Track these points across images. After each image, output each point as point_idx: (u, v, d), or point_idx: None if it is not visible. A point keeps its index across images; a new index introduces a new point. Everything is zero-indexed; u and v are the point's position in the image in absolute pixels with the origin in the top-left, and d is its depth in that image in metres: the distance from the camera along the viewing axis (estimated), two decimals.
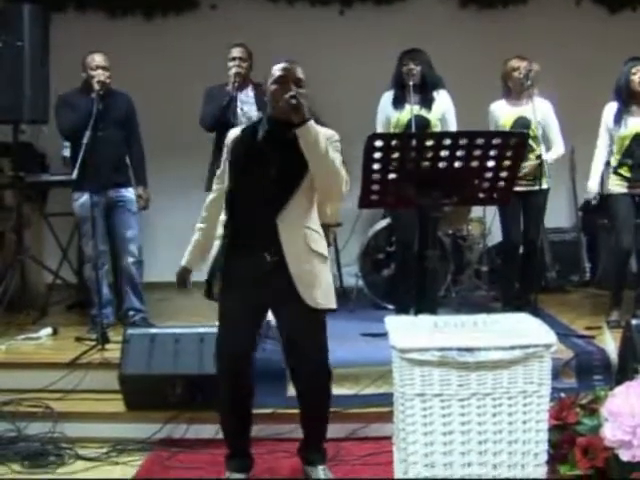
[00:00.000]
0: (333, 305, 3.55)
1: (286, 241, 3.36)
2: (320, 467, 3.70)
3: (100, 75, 5.32)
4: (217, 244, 3.54)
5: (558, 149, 5.65)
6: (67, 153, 6.68)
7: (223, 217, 3.52)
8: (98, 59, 5.41)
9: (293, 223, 3.38)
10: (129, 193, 5.61)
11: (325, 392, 3.65)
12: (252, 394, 3.68)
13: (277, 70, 3.40)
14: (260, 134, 3.44)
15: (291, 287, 3.37)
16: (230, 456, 3.71)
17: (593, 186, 5.61)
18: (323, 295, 3.47)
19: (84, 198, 5.38)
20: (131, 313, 5.58)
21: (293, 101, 3.24)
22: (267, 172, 3.36)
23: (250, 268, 3.41)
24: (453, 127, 5.57)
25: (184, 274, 3.77)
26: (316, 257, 3.45)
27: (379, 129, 5.53)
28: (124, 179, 5.65)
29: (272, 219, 3.35)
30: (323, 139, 3.29)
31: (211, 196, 3.71)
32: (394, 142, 3.81)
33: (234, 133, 3.57)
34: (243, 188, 3.43)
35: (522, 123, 5.47)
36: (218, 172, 3.67)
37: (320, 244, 3.50)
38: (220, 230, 3.54)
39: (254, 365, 3.67)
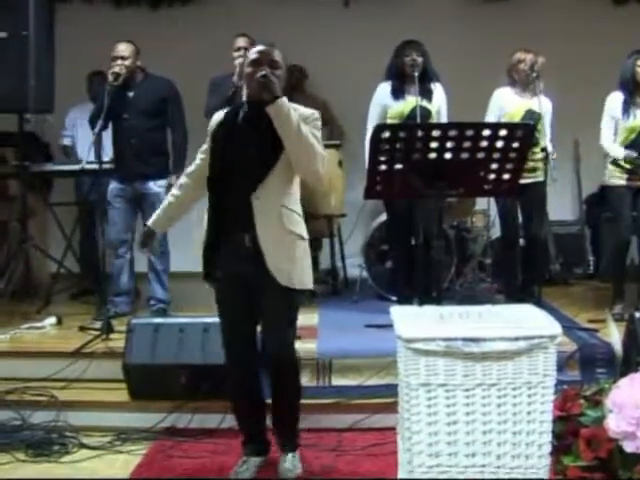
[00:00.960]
0: (310, 286, 3.57)
1: (260, 219, 3.39)
2: (290, 454, 3.71)
3: (115, 66, 5.32)
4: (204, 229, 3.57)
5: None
6: (66, 142, 6.72)
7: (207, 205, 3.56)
8: (119, 48, 5.44)
9: (268, 201, 3.41)
10: (156, 186, 5.57)
11: (292, 376, 3.65)
12: (259, 379, 3.70)
13: (252, 53, 3.47)
14: (240, 116, 3.50)
15: (266, 268, 3.40)
16: (245, 441, 3.75)
17: (621, 151, 5.45)
18: (298, 275, 3.48)
19: (112, 185, 5.49)
20: (152, 302, 5.62)
21: (262, 79, 3.29)
22: (245, 152, 3.43)
23: (232, 252, 3.46)
24: (445, 120, 5.57)
25: (147, 234, 3.82)
26: (292, 236, 3.47)
27: (373, 120, 5.49)
28: (152, 170, 5.59)
29: (248, 197, 3.38)
30: (295, 116, 3.34)
31: (191, 167, 3.75)
32: (401, 133, 3.80)
33: (218, 117, 3.61)
34: (223, 170, 3.47)
35: (532, 116, 5.42)
36: (202, 147, 3.68)
37: (297, 224, 3.52)
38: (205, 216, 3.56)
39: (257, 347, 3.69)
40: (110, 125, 5.44)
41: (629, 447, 2.85)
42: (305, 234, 3.55)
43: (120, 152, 5.34)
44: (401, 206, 5.42)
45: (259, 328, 3.63)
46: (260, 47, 3.47)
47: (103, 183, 5.48)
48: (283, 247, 3.43)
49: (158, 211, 3.82)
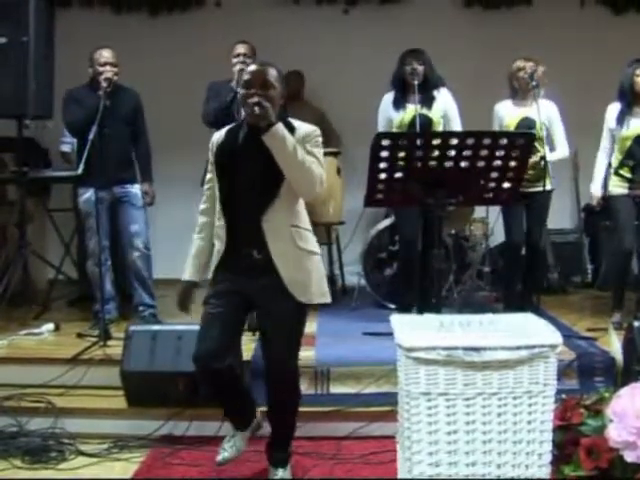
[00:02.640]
0: (327, 299, 3.55)
1: (272, 241, 3.38)
2: (280, 469, 3.65)
3: (107, 72, 5.33)
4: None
5: (563, 151, 5.63)
6: (66, 148, 6.72)
7: (219, 222, 3.53)
8: (106, 55, 5.43)
9: (279, 223, 3.40)
10: (134, 189, 5.64)
11: (292, 392, 3.59)
12: (237, 382, 3.64)
13: (246, 74, 3.43)
14: (241, 136, 3.48)
15: (279, 284, 3.37)
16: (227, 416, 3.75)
17: (596, 190, 5.60)
18: (315, 290, 3.47)
19: (89, 194, 5.42)
20: (141, 308, 5.59)
21: (256, 109, 3.25)
22: (250, 173, 3.40)
23: (238, 266, 3.44)
24: (457, 122, 5.58)
25: (188, 290, 3.68)
26: (305, 254, 3.46)
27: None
28: (129, 175, 5.68)
29: (257, 220, 3.37)
30: (291, 142, 3.30)
31: (203, 206, 3.68)
32: (401, 141, 3.80)
33: (218, 136, 3.58)
34: (229, 190, 3.46)
35: (526, 124, 5.46)
36: (207, 177, 3.65)
37: (309, 241, 3.51)
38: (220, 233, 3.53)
39: (239, 357, 3.74)
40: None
41: (630, 457, 2.84)
42: (317, 248, 3.55)
43: (101, 157, 5.28)
44: (410, 209, 5.40)
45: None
46: (253, 67, 3.43)
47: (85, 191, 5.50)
48: (296, 262, 3.42)
49: (190, 261, 3.67)
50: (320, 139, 3.51)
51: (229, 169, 3.47)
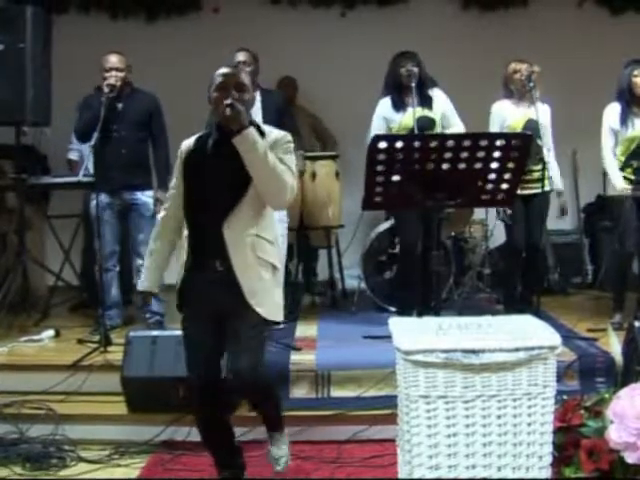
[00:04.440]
0: (279, 318, 3.49)
1: (233, 249, 3.33)
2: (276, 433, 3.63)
3: (111, 77, 5.33)
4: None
5: (551, 152, 5.63)
6: (73, 156, 6.70)
7: (186, 232, 3.49)
8: (112, 60, 5.43)
9: (240, 230, 3.35)
10: (144, 196, 5.59)
11: (268, 397, 3.57)
12: (229, 409, 3.69)
13: (218, 76, 3.35)
14: (210, 142, 3.43)
15: (241, 297, 3.33)
16: (218, 466, 3.67)
17: (619, 183, 5.44)
18: (269, 306, 3.41)
19: (99, 198, 5.41)
20: (148, 315, 5.58)
21: (228, 111, 3.22)
22: (217, 180, 3.37)
23: (203, 278, 3.40)
24: (457, 120, 5.60)
25: (146, 299, 3.72)
26: (264, 266, 3.41)
27: (374, 133, 5.50)
28: (141, 181, 5.62)
29: (219, 226, 3.32)
30: (262, 146, 3.27)
31: (163, 213, 3.64)
32: (398, 144, 3.79)
33: (187, 143, 3.54)
34: (195, 198, 3.42)
35: (532, 126, 5.41)
36: (171, 184, 3.60)
37: (270, 253, 3.45)
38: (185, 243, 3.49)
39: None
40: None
41: (630, 458, 2.83)
42: (277, 262, 3.50)
43: (109, 163, 5.33)
44: (409, 213, 5.40)
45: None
46: (225, 70, 3.37)
47: (89, 200, 5.50)
48: (256, 274, 3.37)
49: (145, 270, 3.66)
50: (292, 145, 3.45)
51: (196, 176, 3.43)
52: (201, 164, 3.43)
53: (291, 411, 4.21)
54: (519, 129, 5.45)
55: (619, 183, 5.43)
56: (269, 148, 3.31)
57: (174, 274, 3.55)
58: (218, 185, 3.36)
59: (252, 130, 3.26)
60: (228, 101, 3.24)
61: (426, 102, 5.49)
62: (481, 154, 3.79)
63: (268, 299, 3.41)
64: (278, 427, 3.64)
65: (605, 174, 5.61)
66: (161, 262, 3.63)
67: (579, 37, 7.42)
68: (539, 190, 5.36)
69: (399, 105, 5.53)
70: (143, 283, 3.65)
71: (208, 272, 3.39)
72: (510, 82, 5.62)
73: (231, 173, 3.33)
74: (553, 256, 7.17)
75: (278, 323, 3.56)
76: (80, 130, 5.51)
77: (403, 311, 5.34)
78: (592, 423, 3.05)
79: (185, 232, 3.49)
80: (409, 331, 3.10)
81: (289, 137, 3.46)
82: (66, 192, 6.56)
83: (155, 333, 4.65)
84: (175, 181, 3.56)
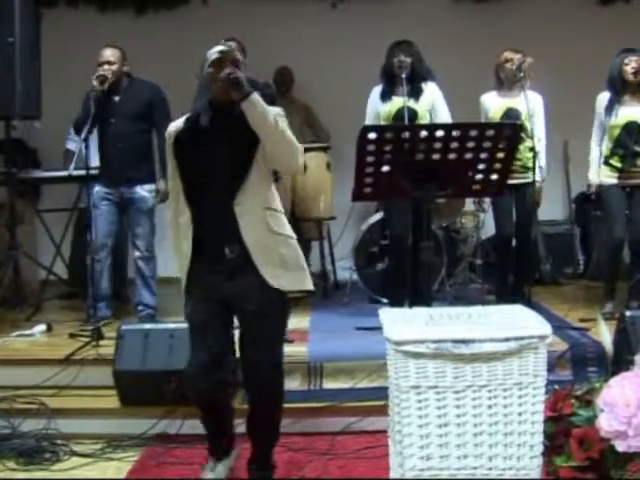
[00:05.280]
0: (309, 286, 3.43)
1: (246, 227, 3.25)
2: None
3: (102, 70, 5.30)
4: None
5: (542, 143, 5.64)
6: (71, 146, 6.61)
7: (182, 219, 3.39)
8: (105, 53, 5.40)
9: (252, 206, 3.27)
10: (143, 190, 5.53)
11: (278, 394, 3.48)
12: (229, 396, 3.65)
13: (213, 53, 3.27)
14: (204, 120, 3.32)
15: (257, 280, 3.26)
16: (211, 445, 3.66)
17: (593, 178, 5.60)
18: (295, 277, 3.37)
19: (97, 188, 5.47)
20: (140, 308, 5.58)
21: (232, 76, 3.16)
22: (217, 158, 3.28)
23: (210, 271, 3.33)
24: (446, 116, 5.57)
25: None
26: (280, 239, 3.35)
27: (369, 123, 5.53)
28: (141, 174, 5.56)
29: (229, 206, 3.25)
30: (270, 110, 3.22)
31: (170, 211, 3.54)
32: (388, 134, 3.79)
33: (175, 126, 3.44)
34: (196, 179, 3.33)
35: (512, 115, 5.47)
36: (169, 174, 3.51)
37: (283, 225, 3.39)
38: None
39: (230, 365, 3.56)
40: (96, 130, 5.42)
41: (621, 446, 2.84)
42: (292, 233, 3.42)
43: (107, 156, 5.34)
44: (398, 204, 5.40)
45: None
46: (221, 47, 3.31)
47: (90, 190, 5.47)
48: (274, 251, 3.30)
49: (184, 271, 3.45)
50: (286, 120, 3.38)
51: (193, 158, 3.34)
52: (194, 144, 3.35)
53: (285, 403, 4.22)
54: (497, 119, 5.49)
55: (593, 177, 5.58)
56: None
57: (167, 266, 3.53)
58: (220, 164, 3.27)
59: (257, 95, 3.20)
60: (227, 71, 3.18)
61: (414, 94, 5.47)
62: (471, 144, 3.79)
63: (293, 272, 3.36)
64: (269, 457, 3.57)
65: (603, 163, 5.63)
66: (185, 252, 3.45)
67: (569, 27, 7.42)
68: (527, 180, 5.38)
69: (386, 94, 5.54)
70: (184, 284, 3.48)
71: (216, 264, 3.32)
72: (501, 70, 5.63)
73: (233, 148, 3.28)
74: (545, 246, 7.19)
75: (311, 292, 3.51)
76: (75, 124, 5.47)
77: (395, 302, 5.34)
78: (583, 412, 3.05)
79: (182, 220, 3.39)
80: (399, 322, 3.10)
81: (282, 112, 3.39)
82: (57, 186, 6.56)
83: (147, 326, 4.63)
84: (170, 169, 3.47)
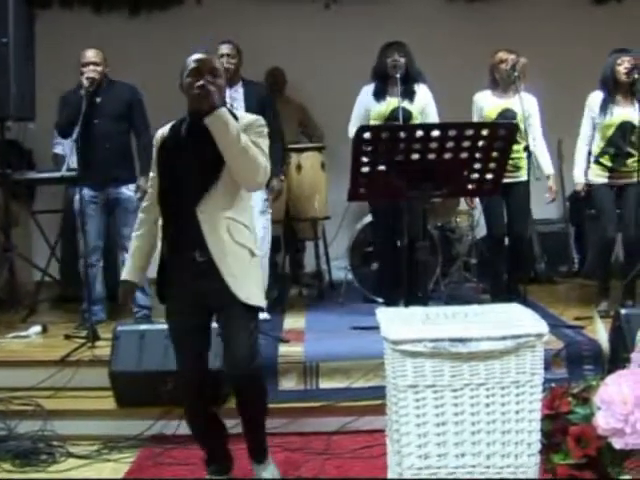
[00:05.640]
0: (261, 303, 3.49)
1: (209, 233, 3.32)
2: (265, 464, 3.62)
3: (89, 72, 5.31)
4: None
5: (543, 145, 5.68)
6: (58, 150, 6.65)
7: (161, 222, 3.48)
8: (89, 55, 5.42)
9: (214, 213, 3.33)
10: (129, 191, 5.57)
11: (257, 393, 3.51)
12: (217, 403, 3.74)
13: (191, 62, 3.35)
14: (184, 129, 3.43)
15: (224, 286, 3.32)
16: (207, 460, 3.67)
17: (579, 176, 5.65)
18: (249, 291, 3.39)
19: (82, 192, 5.39)
20: (135, 309, 5.57)
21: (197, 90, 3.24)
22: (189, 165, 3.36)
23: (183, 270, 3.39)
24: (435, 118, 5.59)
25: (128, 289, 3.67)
26: (241, 250, 3.39)
27: (354, 120, 5.56)
28: (126, 175, 5.60)
29: (193, 211, 3.32)
30: (235, 127, 3.27)
31: (144, 203, 3.64)
32: (383, 134, 3.79)
33: (162, 131, 3.54)
34: (170, 185, 3.41)
35: (507, 115, 5.49)
36: (151, 175, 3.59)
37: (246, 237, 3.43)
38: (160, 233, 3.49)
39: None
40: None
41: (618, 444, 2.84)
42: (255, 249, 3.48)
43: (92, 158, 5.31)
44: (385, 207, 5.43)
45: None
46: (199, 55, 3.36)
47: (73, 193, 5.49)
48: (236, 261, 3.36)
49: (128, 262, 3.67)
50: (265, 129, 3.45)
51: (170, 163, 3.43)
52: (174, 150, 3.43)
53: (280, 403, 4.23)
54: (493, 118, 5.50)
55: (579, 176, 5.64)
56: (242, 131, 3.31)
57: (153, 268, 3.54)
58: (190, 170, 3.35)
59: (224, 110, 3.27)
60: (200, 82, 3.24)
61: (408, 95, 5.49)
62: (466, 144, 3.79)
63: (248, 283, 3.39)
64: (263, 448, 3.62)
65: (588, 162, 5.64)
66: (145, 253, 3.61)
67: (563, 27, 7.44)
68: (518, 179, 5.42)
69: (380, 94, 5.55)
70: (127, 274, 3.64)
71: (188, 265, 3.37)
72: (495, 71, 5.64)
73: (203, 157, 3.34)
74: (539, 245, 7.20)
75: (262, 309, 3.54)
76: (61, 126, 5.49)
77: (390, 302, 5.35)
78: (580, 410, 3.05)
79: (160, 222, 3.48)
80: (396, 321, 3.10)
81: (262, 121, 3.46)
82: (51, 187, 6.55)
83: (143, 327, 4.65)
84: (153, 168, 3.56)
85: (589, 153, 5.61)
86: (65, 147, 6.55)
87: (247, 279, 3.39)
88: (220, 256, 3.33)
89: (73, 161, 5.45)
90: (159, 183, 3.47)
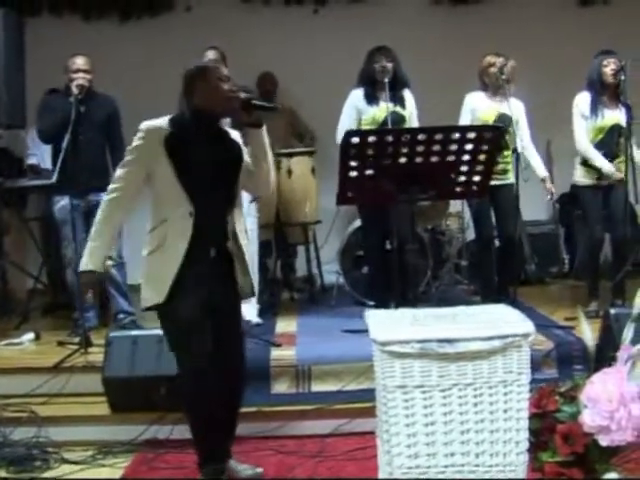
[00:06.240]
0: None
1: (232, 237, 3.51)
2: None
3: (80, 79, 5.32)
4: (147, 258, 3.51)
5: (533, 149, 5.72)
6: (33, 160, 6.58)
7: (176, 214, 3.42)
8: (79, 62, 5.42)
9: (237, 219, 3.54)
10: None
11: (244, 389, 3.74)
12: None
13: (215, 68, 3.49)
14: (192, 129, 3.44)
15: (232, 286, 3.53)
16: (204, 462, 3.61)
17: (608, 166, 5.47)
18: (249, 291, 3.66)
19: (64, 202, 5.39)
20: (121, 316, 5.57)
21: (233, 95, 3.38)
22: (216, 170, 3.44)
23: (199, 268, 3.40)
24: (416, 123, 5.65)
25: (89, 285, 3.61)
26: (245, 255, 3.58)
27: (345, 123, 5.57)
28: (105, 183, 5.56)
29: (223, 215, 3.48)
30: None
31: (113, 194, 3.57)
32: (371, 138, 3.82)
33: (160, 125, 3.47)
34: (196, 186, 3.40)
35: (505, 120, 5.46)
36: (127, 162, 3.52)
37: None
38: (154, 241, 3.48)
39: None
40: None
41: (604, 441, 2.88)
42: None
43: (76, 166, 5.29)
44: (374, 211, 5.45)
45: None
46: (215, 63, 3.61)
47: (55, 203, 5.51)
48: (244, 263, 3.55)
49: (92, 250, 3.52)
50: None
51: (192, 162, 3.40)
52: (193, 151, 3.42)
53: (272, 406, 4.26)
54: (490, 122, 5.50)
55: (606, 165, 5.47)
56: None
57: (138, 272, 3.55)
58: (219, 175, 3.45)
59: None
60: (247, 95, 3.43)
61: (398, 100, 5.54)
62: (453, 147, 3.83)
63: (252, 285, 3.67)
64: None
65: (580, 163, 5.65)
66: (109, 243, 3.61)
67: (549, 28, 7.49)
68: (505, 182, 5.45)
69: (372, 98, 5.57)
70: (89, 264, 3.50)
71: (204, 262, 3.43)
72: (485, 75, 5.65)
73: (228, 164, 3.48)
74: (530, 246, 7.24)
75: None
76: (48, 131, 5.44)
77: (381, 305, 5.37)
78: (567, 408, 3.08)
79: (175, 214, 3.42)
80: (385, 323, 3.13)
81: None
82: (43, 195, 6.55)
83: (135, 333, 4.67)
84: (135, 160, 3.49)
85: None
86: (39, 157, 6.54)
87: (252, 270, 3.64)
88: (237, 259, 3.51)
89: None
90: (181, 181, 3.37)
